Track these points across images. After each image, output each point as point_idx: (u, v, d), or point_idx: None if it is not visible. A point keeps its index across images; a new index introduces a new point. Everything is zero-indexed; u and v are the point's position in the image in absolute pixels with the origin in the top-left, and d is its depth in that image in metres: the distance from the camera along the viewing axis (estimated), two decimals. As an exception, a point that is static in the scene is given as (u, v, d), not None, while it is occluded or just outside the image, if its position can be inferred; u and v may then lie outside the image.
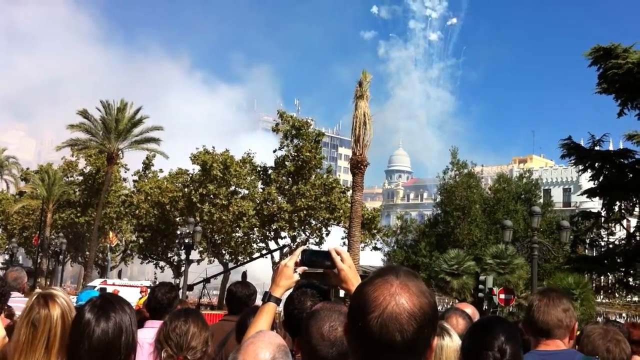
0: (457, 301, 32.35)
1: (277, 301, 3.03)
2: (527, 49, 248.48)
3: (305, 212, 49.37)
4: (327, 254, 2.95)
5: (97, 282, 43.56)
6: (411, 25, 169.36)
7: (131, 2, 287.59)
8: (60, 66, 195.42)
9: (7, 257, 62.95)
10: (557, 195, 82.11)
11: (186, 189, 53.01)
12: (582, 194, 34.35)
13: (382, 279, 1.80)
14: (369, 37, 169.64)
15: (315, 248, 3.08)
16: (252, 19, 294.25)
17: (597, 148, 29.02)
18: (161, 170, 59.81)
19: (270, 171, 52.04)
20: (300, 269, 2.99)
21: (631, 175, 28.12)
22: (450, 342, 3.44)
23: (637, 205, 29.29)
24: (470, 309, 4.75)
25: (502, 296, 26.20)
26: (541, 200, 53.41)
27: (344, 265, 2.90)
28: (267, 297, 3.03)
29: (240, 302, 5.93)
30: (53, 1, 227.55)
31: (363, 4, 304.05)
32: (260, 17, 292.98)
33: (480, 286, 26.90)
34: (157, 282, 38.58)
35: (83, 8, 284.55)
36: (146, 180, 59.01)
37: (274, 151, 51.47)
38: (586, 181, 35.55)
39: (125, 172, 62.43)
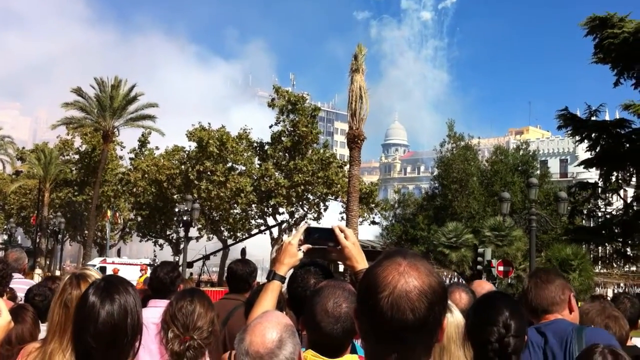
0: (456, 274, 32.59)
1: (282, 279, 3.03)
2: (523, 21, 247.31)
3: (302, 187, 49.39)
4: (331, 232, 2.95)
5: (96, 261, 43.70)
6: (403, 6, 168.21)
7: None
8: (53, 45, 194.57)
9: (5, 237, 63.00)
10: (554, 166, 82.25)
11: (183, 166, 52.95)
12: (579, 165, 34.44)
13: (390, 260, 1.80)
14: (363, 18, 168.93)
15: (318, 226, 3.08)
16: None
17: (593, 118, 29.03)
18: (157, 148, 59.63)
19: (266, 147, 51.95)
20: (304, 247, 2.98)
21: (628, 145, 28.13)
22: (451, 318, 3.44)
23: (634, 175, 29.36)
24: (488, 286, 4.77)
25: (501, 268, 26.34)
26: (538, 172, 53.42)
27: (348, 242, 2.91)
28: (272, 275, 3.03)
29: (241, 280, 5.93)
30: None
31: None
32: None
33: (479, 259, 27.04)
34: (157, 260, 38.71)
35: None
36: (142, 158, 58.87)
37: (270, 127, 51.35)
38: (583, 152, 35.61)
39: (122, 149, 62.27)
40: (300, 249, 2.99)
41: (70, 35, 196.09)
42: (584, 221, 35.38)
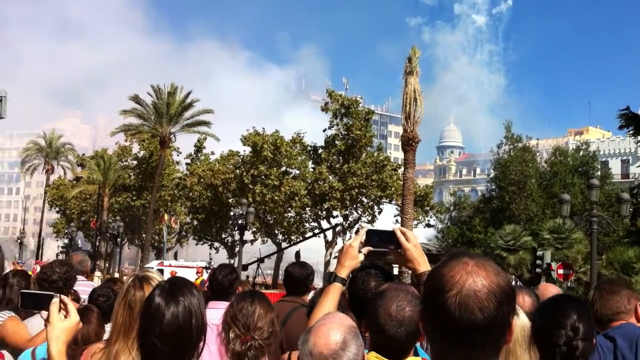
0: (514, 277, 32.07)
1: (343, 281, 3.01)
2: (580, 18, 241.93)
3: (356, 190, 49.31)
4: (392, 234, 2.92)
5: (154, 264, 44.45)
6: (457, 11, 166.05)
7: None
8: (111, 55, 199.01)
9: (66, 241, 64.71)
10: (615, 167, 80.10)
11: (238, 171, 53.48)
12: (641, 165, 33.43)
13: (457, 260, 1.77)
14: (415, 24, 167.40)
15: (380, 228, 3.05)
16: (298, 2, 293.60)
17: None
18: (212, 153, 60.51)
19: (320, 150, 52.06)
20: (365, 249, 2.96)
21: (693, 144, 27.23)
22: (517, 320, 3.37)
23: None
24: (555, 290, 4.68)
25: (561, 271, 25.80)
26: (599, 173, 52.12)
27: (410, 245, 2.87)
28: (333, 277, 3.02)
29: (298, 282, 5.93)
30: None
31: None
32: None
33: (538, 261, 26.53)
34: (213, 263, 39.13)
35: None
36: (198, 163, 59.78)
37: (324, 130, 51.46)
38: (645, 152, 34.58)
39: (178, 155, 63.50)
40: (361, 252, 2.97)
41: (127, 45, 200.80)
42: (647, 223, 34.36)
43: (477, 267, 1.73)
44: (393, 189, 48.80)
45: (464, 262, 1.75)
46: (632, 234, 31.78)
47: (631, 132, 29.08)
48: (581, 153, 52.22)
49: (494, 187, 52.33)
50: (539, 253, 27.19)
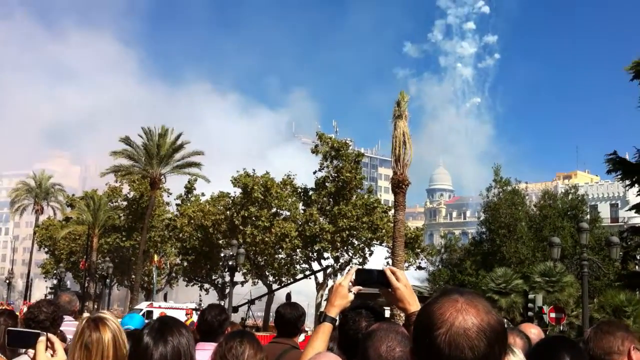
0: (506, 320, 31.86)
1: (333, 321, 2.98)
2: (568, 64, 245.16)
3: (347, 232, 49.26)
4: (382, 273, 2.90)
5: (143, 305, 43.97)
6: (442, 63, 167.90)
7: (171, 38, 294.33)
8: (103, 98, 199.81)
9: (55, 281, 64.08)
10: (604, 211, 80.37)
11: (228, 212, 53.37)
12: (630, 209, 33.57)
13: (447, 297, 1.75)
14: (403, 75, 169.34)
15: (369, 267, 3.02)
16: (288, 47, 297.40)
17: (644, 162, 28.35)
18: (203, 194, 60.46)
19: (311, 192, 52.14)
20: (355, 289, 2.94)
21: (680, 188, 27.40)
22: (514, 358, 3.36)
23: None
24: (536, 330, 4.66)
25: (553, 315, 25.67)
26: (588, 217, 52.28)
27: (400, 284, 2.85)
28: (323, 317, 3.00)
29: (289, 323, 5.87)
30: (96, 39, 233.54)
31: (396, 33, 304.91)
32: (296, 44, 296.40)
33: (530, 305, 26.41)
34: (203, 305, 38.78)
35: (125, 43, 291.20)
36: (189, 204, 59.69)
37: (314, 172, 51.64)
38: (634, 196, 34.71)
39: (168, 196, 63.41)
40: (351, 291, 2.95)
41: (119, 89, 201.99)
42: (637, 267, 34.39)
43: (468, 305, 1.71)
44: (384, 231, 48.78)
45: (454, 299, 1.73)
46: (622, 278, 31.72)
47: (619, 176, 29.21)
48: (570, 197, 52.46)
49: (484, 229, 52.36)
50: (531, 296, 27.08)
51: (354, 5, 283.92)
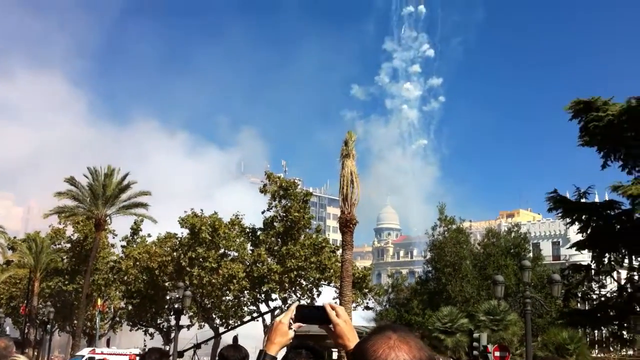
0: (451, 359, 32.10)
1: (273, 359, 3.01)
2: (511, 105, 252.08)
3: (295, 272, 49.06)
4: (322, 309, 2.95)
5: (85, 352, 42.82)
6: (388, 106, 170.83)
7: (120, 77, 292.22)
8: (47, 137, 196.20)
9: (-7, 327, 61.85)
10: (546, 248, 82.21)
11: (175, 253, 52.64)
12: (571, 247, 34.39)
13: (380, 334, 1.82)
14: (350, 117, 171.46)
15: (309, 303, 3.07)
16: (237, 86, 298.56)
17: (583, 200, 29.18)
18: (149, 235, 59.50)
19: (259, 232, 51.92)
20: (295, 326, 2.98)
21: (618, 226, 28.15)
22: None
23: (626, 257, 29.27)
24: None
25: (497, 354, 25.95)
26: (531, 254, 53.42)
27: (340, 320, 2.90)
28: (263, 356, 3.02)
29: (233, 366, 5.85)
30: (44, 79, 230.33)
31: (344, 75, 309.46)
32: (245, 84, 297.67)
33: (475, 344, 26.66)
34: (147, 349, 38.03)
35: (74, 83, 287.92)
36: (134, 246, 58.62)
37: (263, 212, 51.48)
38: (574, 234, 35.64)
39: (114, 237, 62.09)
40: (291, 328, 2.99)
41: (65, 128, 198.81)
42: (578, 304, 35.09)
43: (400, 342, 1.77)
44: (332, 270, 48.75)
45: (387, 336, 1.79)
46: (564, 316, 32.27)
47: (560, 214, 29.94)
48: (513, 235, 53.54)
49: (430, 268, 52.93)
50: (476, 335, 27.35)
51: (302, 47, 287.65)
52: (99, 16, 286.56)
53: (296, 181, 52.83)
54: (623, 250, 28.72)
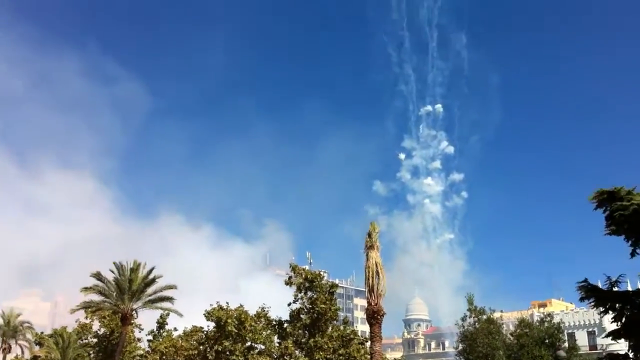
0: None
1: None
2: (533, 195, 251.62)
3: (324, 365, 48.10)
4: None
5: None
6: (410, 201, 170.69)
7: (146, 174, 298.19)
8: (74, 234, 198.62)
9: None
10: (581, 338, 79.89)
11: (201, 347, 52.10)
12: (606, 336, 33.52)
13: None
14: (374, 213, 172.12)
15: None
16: (261, 181, 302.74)
17: (615, 289, 28.62)
18: (175, 329, 59.19)
19: (285, 325, 51.31)
20: None
21: (653, 315, 27.47)
22: None
23: (663, 346, 28.39)
24: None
25: None
26: (566, 344, 51.97)
27: None
28: None
29: None
30: (72, 178, 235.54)
31: (365, 170, 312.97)
32: (269, 178, 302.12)
33: None
34: None
35: (101, 181, 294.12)
36: (161, 340, 58.20)
37: (289, 304, 51.05)
38: (609, 323, 34.78)
39: (140, 331, 61.79)
40: None
41: (90, 224, 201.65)
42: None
43: None
44: (361, 363, 47.76)
45: None
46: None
47: (592, 303, 29.32)
48: (546, 325, 52.37)
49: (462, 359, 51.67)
50: None
51: (323, 143, 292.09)
52: (127, 117, 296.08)
53: (322, 273, 52.54)
54: (659, 340, 27.91)
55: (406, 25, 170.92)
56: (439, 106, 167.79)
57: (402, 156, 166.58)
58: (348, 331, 50.73)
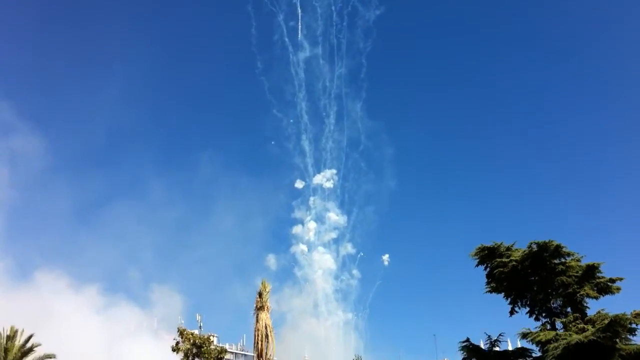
0: None
1: None
2: (421, 259, 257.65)
3: None
4: None
5: None
6: (299, 274, 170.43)
7: (29, 237, 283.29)
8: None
9: None
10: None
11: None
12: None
13: None
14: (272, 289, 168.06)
15: None
16: (152, 240, 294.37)
17: (495, 349, 29.47)
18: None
19: (173, 394, 49.46)
20: None
21: (532, 374, 28.38)
22: None
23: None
24: None
25: None
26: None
27: None
28: None
29: None
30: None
31: (259, 239, 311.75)
32: (160, 237, 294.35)
33: None
34: None
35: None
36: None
37: (176, 372, 49.30)
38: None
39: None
40: None
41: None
42: None
43: None
44: None
45: None
46: None
47: (474, 363, 29.96)
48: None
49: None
50: None
51: (217, 204, 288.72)
52: (19, 173, 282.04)
53: (211, 337, 51.28)
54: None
55: (305, 96, 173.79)
56: (331, 176, 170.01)
57: (297, 229, 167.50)
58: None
